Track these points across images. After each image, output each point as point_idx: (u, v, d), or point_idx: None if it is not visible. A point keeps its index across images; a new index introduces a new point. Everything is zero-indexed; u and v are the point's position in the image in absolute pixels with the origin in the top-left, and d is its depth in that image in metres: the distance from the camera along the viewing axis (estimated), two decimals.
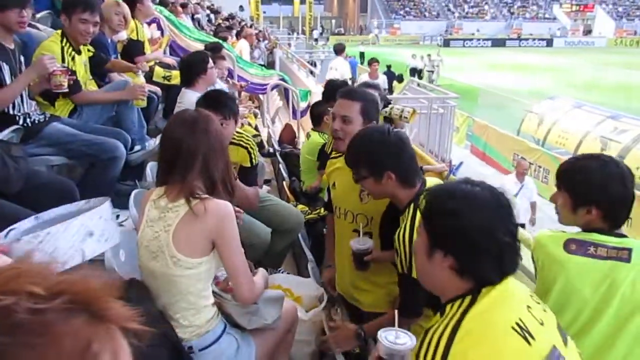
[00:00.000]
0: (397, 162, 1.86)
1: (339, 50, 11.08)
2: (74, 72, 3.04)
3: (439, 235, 1.22)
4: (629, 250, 1.61)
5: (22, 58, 2.72)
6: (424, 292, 1.35)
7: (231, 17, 18.75)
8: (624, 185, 1.64)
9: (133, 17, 4.74)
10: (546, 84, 22.00)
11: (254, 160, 2.88)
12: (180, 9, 8.09)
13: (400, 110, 3.47)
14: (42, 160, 2.66)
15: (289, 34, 30.58)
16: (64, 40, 3.02)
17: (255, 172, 2.95)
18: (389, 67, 18.92)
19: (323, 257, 3.44)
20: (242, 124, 4.08)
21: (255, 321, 1.78)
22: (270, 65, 13.72)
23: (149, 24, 6.12)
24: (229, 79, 4.88)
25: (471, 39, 48.01)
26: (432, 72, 23.03)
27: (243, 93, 8.39)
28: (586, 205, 1.66)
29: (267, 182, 5.01)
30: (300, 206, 3.86)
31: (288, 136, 6.13)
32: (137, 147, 3.25)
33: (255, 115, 6.28)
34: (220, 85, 4.35)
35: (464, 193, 1.22)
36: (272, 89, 8.04)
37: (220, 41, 7.83)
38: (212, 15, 16.35)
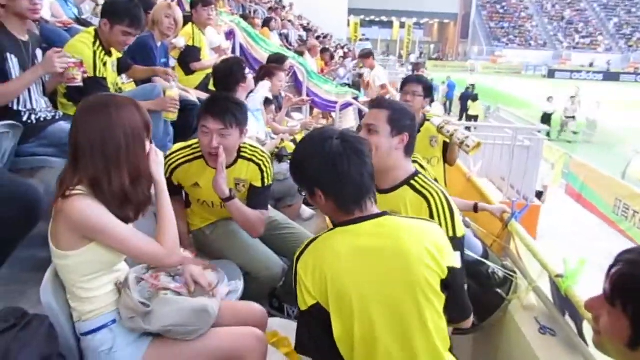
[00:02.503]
0: (327, 180, 1.45)
1: (365, 55, 8.25)
2: (104, 79, 2.87)
3: None
4: None
5: (38, 52, 2.56)
6: None
7: (324, 36, 18.82)
8: None
9: (192, 23, 4.64)
10: None
11: (266, 180, 2.51)
12: (256, 21, 8.05)
13: (464, 136, 2.96)
14: (42, 160, 2.47)
15: (384, 55, 30.39)
16: (97, 43, 2.84)
17: (267, 194, 2.57)
18: (472, 86, 19.20)
19: None
20: (283, 140, 3.73)
21: (134, 322, 1.61)
22: (355, 84, 13.50)
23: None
24: (282, 91, 4.58)
25: (580, 71, 44.68)
26: (573, 117, 18.29)
27: (315, 110, 8.17)
28: None
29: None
30: None
31: None
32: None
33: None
34: (263, 93, 4.05)
35: None
36: (344, 107, 7.69)
37: (295, 55, 7.68)
38: (304, 33, 16.48)
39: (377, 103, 1.99)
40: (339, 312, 1.40)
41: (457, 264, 1.51)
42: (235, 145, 2.38)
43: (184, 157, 2.43)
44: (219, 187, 2.28)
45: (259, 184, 2.49)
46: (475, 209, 2.73)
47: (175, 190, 2.38)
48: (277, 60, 5.09)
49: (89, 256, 1.55)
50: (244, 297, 2.28)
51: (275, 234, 2.66)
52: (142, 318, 1.60)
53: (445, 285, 1.45)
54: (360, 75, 8.59)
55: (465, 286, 1.62)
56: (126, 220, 1.59)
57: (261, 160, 2.50)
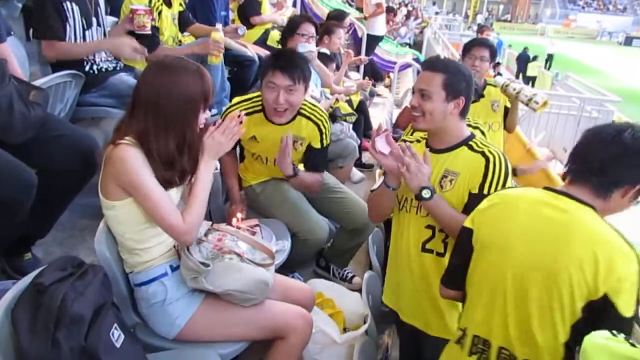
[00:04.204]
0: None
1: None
2: (157, 28, 2.87)
3: None
4: None
5: None
6: None
7: None
8: None
9: None
10: None
11: (325, 141, 2.49)
12: None
13: (532, 93, 2.97)
14: (102, 111, 2.53)
15: (449, 15, 29.12)
16: None
17: (325, 155, 2.56)
18: (525, 49, 18.54)
19: None
20: (337, 100, 3.66)
21: (197, 281, 1.62)
22: (417, 44, 13.07)
23: None
24: (341, 48, 4.46)
25: None
26: None
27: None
28: None
29: (368, 167, 4.58)
30: None
31: (405, 121, 5.55)
32: (213, 111, 3.00)
33: (372, 95, 5.78)
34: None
35: None
36: (403, 68, 7.47)
37: (357, 11, 7.47)
38: None
39: (431, 65, 1.84)
40: (482, 252, 1.43)
41: (624, 310, 1.21)
42: (300, 102, 2.34)
43: (244, 109, 2.39)
44: (284, 169, 2.30)
45: (317, 145, 2.47)
46: (514, 172, 2.67)
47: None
48: (336, 17, 4.96)
49: (133, 208, 1.57)
50: (291, 256, 2.30)
51: (325, 196, 2.63)
52: (205, 278, 1.62)
53: (592, 308, 1.24)
54: None
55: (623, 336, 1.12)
56: (169, 183, 1.60)
57: (320, 119, 2.46)
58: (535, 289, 1.30)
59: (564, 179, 1.41)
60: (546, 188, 1.40)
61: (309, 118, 2.44)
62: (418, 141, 1.93)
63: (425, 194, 1.70)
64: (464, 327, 1.48)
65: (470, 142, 1.82)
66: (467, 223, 1.48)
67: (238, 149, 2.60)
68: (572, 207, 1.31)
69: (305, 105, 2.44)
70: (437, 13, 28.83)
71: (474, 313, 1.44)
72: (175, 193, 1.66)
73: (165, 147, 1.55)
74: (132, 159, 1.51)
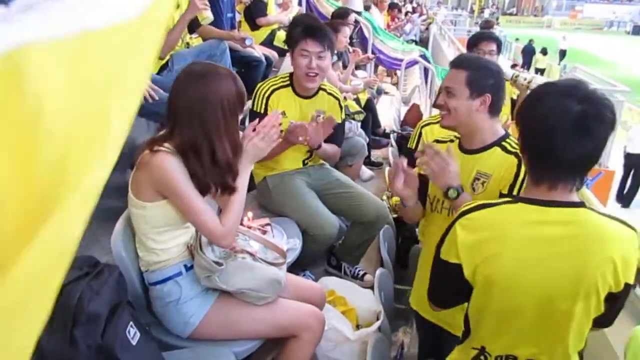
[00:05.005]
0: None
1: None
2: None
3: None
4: None
5: None
6: None
7: None
8: None
9: None
10: None
11: (342, 115, 2.75)
12: None
13: (531, 77, 3.01)
14: None
15: (454, 9, 28.99)
16: None
17: (343, 129, 2.83)
18: (530, 41, 18.73)
19: (409, 262, 2.97)
20: (345, 98, 3.66)
21: (210, 280, 1.65)
22: (423, 41, 13.01)
23: None
24: (349, 47, 4.47)
25: None
26: None
27: (380, 67, 7.97)
28: None
29: (377, 165, 4.58)
30: (395, 198, 3.38)
31: (413, 118, 5.55)
32: None
33: (379, 93, 5.77)
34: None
35: None
36: (410, 65, 7.45)
37: (361, 10, 7.45)
38: None
39: (457, 62, 1.83)
40: (487, 289, 1.33)
41: (632, 280, 1.30)
42: (328, 67, 2.58)
43: (274, 84, 2.60)
44: (316, 141, 2.47)
45: (338, 119, 2.64)
46: None
47: None
48: (340, 15, 4.95)
49: (164, 210, 1.62)
50: (302, 255, 2.31)
51: (336, 192, 2.67)
52: (218, 277, 1.64)
53: (612, 297, 1.29)
54: None
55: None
56: (206, 190, 1.64)
57: (338, 95, 2.72)
58: (564, 307, 1.27)
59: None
60: (523, 200, 1.31)
61: (330, 94, 2.68)
62: (452, 141, 1.90)
63: (452, 193, 1.66)
64: (480, 347, 1.42)
65: (504, 143, 1.77)
66: (452, 258, 1.35)
67: None
68: (568, 217, 1.26)
69: (324, 83, 2.68)
70: (439, 3, 28.65)
71: (494, 339, 1.39)
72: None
73: (224, 155, 1.61)
74: (173, 167, 1.56)
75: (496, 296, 1.32)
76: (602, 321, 1.37)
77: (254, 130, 1.71)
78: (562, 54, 22.21)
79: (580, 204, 1.27)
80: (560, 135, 1.20)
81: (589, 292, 1.24)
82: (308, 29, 2.47)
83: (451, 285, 1.41)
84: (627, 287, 1.28)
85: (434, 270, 1.46)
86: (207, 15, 3.06)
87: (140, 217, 1.64)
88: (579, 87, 1.23)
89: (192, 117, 1.58)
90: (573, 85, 1.25)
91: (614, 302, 1.30)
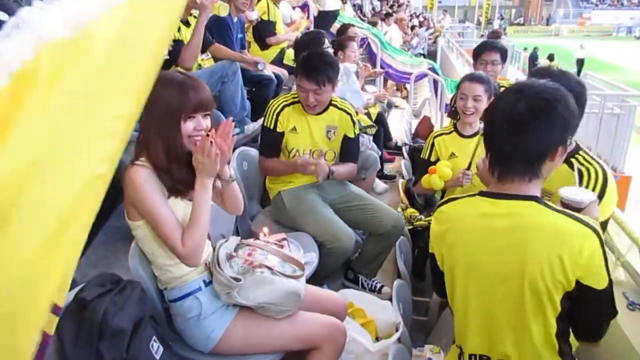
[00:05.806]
0: None
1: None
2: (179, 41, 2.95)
3: None
4: None
5: None
6: None
7: (398, 4, 18.33)
8: None
9: None
10: None
11: (356, 130, 2.72)
12: None
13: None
14: None
15: (461, 22, 29.09)
16: None
17: (358, 144, 2.79)
18: (535, 49, 19.47)
19: (426, 272, 2.96)
20: (357, 113, 3.69)
21: (230, 296, 1.67)
22: (431, 54, 13.07)
23: (294, 8, 6.06)
24: (358, 61, 4.51)
25: None
26: None
27: (389, 82, 8.02)
28: None
29: (390, 178, 4.59)
30: (410, 210, 3.38)
31: (424, 130, 5.56)
32: (235, 130, 3.07)
33: (390, 107, 5.81)
34: (351, 67, 4.03)
35: None
36: (420, 78, 7.48)
37: (369, 26, 7.54)
38: (377, 3, 16.13)
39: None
40: (450, 276, 1.43)
41: (589, 280, 1.23)
42: (328, 99, 2.59)
43: (285, 100, 2.65)
44: (322, 175, 2.45)
45: (351, 135, 2.67)
46: None
47: (277, 145, 2.61)
48: (344, 31, 5.01)
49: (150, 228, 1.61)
50: (319, 269, 2.32)
51: (351, 205, 2.68)
52: (237, 292, 1.65)
53: (571, 297, 1.26)
54: None
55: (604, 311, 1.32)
56: (177, 192, 1.63)
57: (350, 110, 2.70)
58: (514, 300, 1.28)
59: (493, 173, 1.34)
60: (482, 194, 1.36)
61: (341, 109, 2.67)
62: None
63: None
64: (459, 345, 1.47)
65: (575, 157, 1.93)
66: (432, 249, 1.48)
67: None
68: (515, 209, 1.27)
69: (335, 98, 2.70)
70: (445, 11, 28.68)
71: (466, 337, 1.42)
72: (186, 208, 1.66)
73: (155, 155, 1.58)
74: (140, 181, 1.54)
75: (458, 286, 1.39)
76: (582, 330, 1.34)
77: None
78: (580, 62, 20.83)
79: (533, 198, 1.27)
80: (496, 129, 1.28)
81: (535, 287, 1.24)
82: (305, 67, 2.50)
83: (435, 273, 1.51)
84: (587, 288, 1.23)
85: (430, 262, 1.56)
86: (220, 3, 3.10)
87: (139, 238, 1.64)
88: (533, 85, 1.28)
89: (144, 121, 1.57)
90: (530, 83, 1.30)
91: (580, 306, 1.27)
